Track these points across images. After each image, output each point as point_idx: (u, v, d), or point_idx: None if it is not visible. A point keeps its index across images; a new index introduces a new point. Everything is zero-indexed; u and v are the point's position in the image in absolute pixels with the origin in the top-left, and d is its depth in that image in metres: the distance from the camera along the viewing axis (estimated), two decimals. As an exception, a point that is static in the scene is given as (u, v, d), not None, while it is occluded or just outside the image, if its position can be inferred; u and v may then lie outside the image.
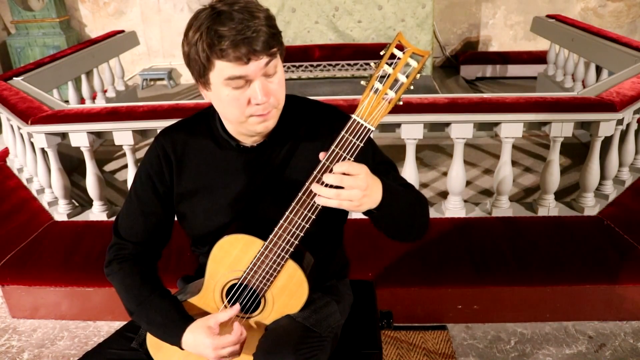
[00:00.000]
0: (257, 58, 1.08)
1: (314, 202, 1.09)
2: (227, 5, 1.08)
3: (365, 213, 1.15)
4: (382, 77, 1.04)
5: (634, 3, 5.66)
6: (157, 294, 1.28)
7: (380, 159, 1.31)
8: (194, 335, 1.21)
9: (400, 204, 1.17)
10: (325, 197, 1.05)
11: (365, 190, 1.05)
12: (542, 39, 5.12)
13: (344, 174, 1.04)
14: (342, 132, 1.05)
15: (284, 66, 5.16)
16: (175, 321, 1.24)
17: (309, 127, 1.27)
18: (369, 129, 1.05)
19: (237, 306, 1.22)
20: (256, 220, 1.25)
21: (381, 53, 1.03)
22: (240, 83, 1.11)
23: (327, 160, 1.07)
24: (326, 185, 1.05)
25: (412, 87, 1.05)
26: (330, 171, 1.06)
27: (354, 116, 1.05)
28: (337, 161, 1.06)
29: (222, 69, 1.09)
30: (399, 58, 1.02)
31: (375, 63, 1.04)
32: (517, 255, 2.46)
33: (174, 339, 1.23)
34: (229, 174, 1.27)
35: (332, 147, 1.06)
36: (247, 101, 1.13)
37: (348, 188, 1.04)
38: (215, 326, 1.20)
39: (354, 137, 1.05)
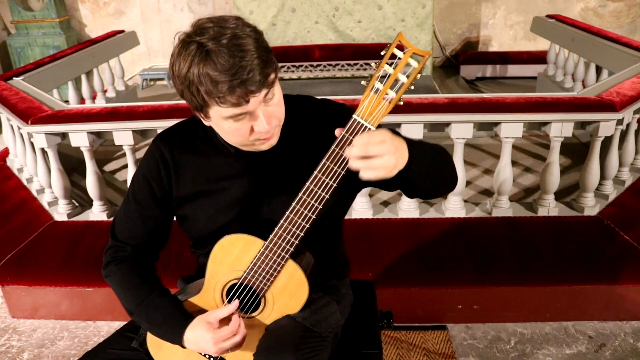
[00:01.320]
0: (256, 95, 1.07)
1: (315, 202, 1.09)
2: (214, 40, 1.03)
3: (397, 181, 1.11)
4: (383, 77, 1.03)
5: (634, 3, 5.66)
6: (156, 293, 1.28)
7: None
8: (194, 331, 1.21)
9: (428, 154, 1.15)
10: (368, 170, 1.01)
11: (396, 153, 1.02)
12: (542, 39, 5.12)
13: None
14: (343, 132, 1.05)
15: (284, 66, 5.19)
16: (176, 319, 1.24)
17: (306, 126, 1.26)
18: (369, 129, 1.05)
19: (236, 302, 1.22)
20: (257, 220, 1.25)
21: (382, 53, 1.03)
22: (241, 117, 1.10)
23: (327, 160, 1.07)
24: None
25: (412, 87, 1.04)
26: (332, 170, 1.06)
27: (354, 116, 1.05)
28: (338, 161, 1.06)
29: (220, 109, 1.08)
30: (399, 58, 1.02)
31: (375, 63, 1.04)
32: (517, 255, 2.46)
33: (175, 337, 1.23)
34: (229, 178, 1.26)
35: (333, 147, 1.06)
36: (249, 130, 1.13)
37: (380, 156, 1.01)
38: (214, 321, 1.20)
39: (354, 137, 1.05)
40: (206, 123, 1.19)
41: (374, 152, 1.00)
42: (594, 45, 3.85)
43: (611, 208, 2.83)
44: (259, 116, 1.10)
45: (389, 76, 1.03)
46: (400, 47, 1.02)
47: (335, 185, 1.08)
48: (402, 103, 1.05)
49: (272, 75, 1.09)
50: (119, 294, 1.32)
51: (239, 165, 1.26)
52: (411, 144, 1.09)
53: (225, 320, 1.22)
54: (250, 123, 1.12)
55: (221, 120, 1.11)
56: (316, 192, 1.09)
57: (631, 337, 2.28)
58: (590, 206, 2.77)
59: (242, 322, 1.22)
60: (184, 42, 1.06)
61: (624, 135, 2.93)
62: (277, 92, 1.14)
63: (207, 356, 1.28)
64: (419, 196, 1.23)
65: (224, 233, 1.21)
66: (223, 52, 1.02)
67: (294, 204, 1.11)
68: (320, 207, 1.10)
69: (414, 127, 2.58)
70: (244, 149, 1.23)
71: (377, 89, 1.04)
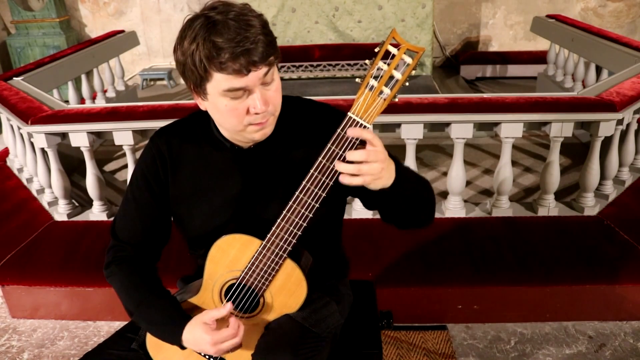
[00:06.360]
0: (257, 69, 1.07)
1: (312, 200, 1.09)
2: (222, 14, 1.06)
3: (376, 199, 1.15)
4: (377, 74, 1.03)
5: (634, 3, 5.66)
6: (156, 294, 1.28)
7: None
8: (193, 332, 1.21)
9: (411, 184, 1.18)
10: (348, 174, 1.05)
11: (384, 164, 1.06)
12: (542, 39, 5.12)
13: (367, 143, 1.05)
14: (338, 130, 1.06)
15: (284, 66, 5.18)
16: (174, 320, 1.23)
17: (304, 127, 1.26)
18: (364, 127, 1.05)
19: (230, 304, 1.21)
20: (253, 220, 1.25)
21: (375, 50, 1.03)
22: (239, 94, 1.10)
23: (323, 158, 1.07)
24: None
25: (407, 84, 1.05)
26: (329, 168, 1.06)
27: (349, 114, 1.05)
28: (334, 159, 1.06)
29: (220, 81, 1.08)
30: (393, 55, 1.02)
31: (370, 61, 1.04)
32: (517, 255, 2.46)
33: (174, 337, 1.23)
34: (225, 175, 1.27)
35: (329, 144, 1.06)
36: (245, 111, 1.12)
37: (371, 162, 1.04)
38: (210, 322, 1.19)
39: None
40: (202, 106, 1.19)
41: (370, 158, 1.03)
42: (594, 45, 3.85)
43: (611, 208, 2.83)
44: (256, 97, 1.10)
45: (383, 73, 1.03)
46: (395, 45, 1.03)
47: (331, 183, 1.08)
48: (397, 100, 1.06)
49: (273, 58, 1.10)
50: (119, 295, 1.32)
51: (235, 162, 1.26)
52: (399, 167, 1.12)
53: (223, 320, 1.21)
54: (247, 103, 1.11)
55: (218, 97, 1.11)
56: (313, 191, 1.09)
57: (631, 337, 2.28)
58: (590, 206, 2.77)
59: (241, 323, 1.21)
60: (191, 19, 1.09)
61: (624, 135, 2.92)
62: (277, 78, 1.15)
63: (207, 356, 1.28)
64: (394, 221, 1.25)
65: (220, 233, 1.21)
66: (230, 23, 1.05)
67: (291, 202, 1.11)
68: (317, 205, 1.10)
69: (414, 127, 2.58)
70: (238, 143, 1.23)
71: (372, 86, 1.04)
